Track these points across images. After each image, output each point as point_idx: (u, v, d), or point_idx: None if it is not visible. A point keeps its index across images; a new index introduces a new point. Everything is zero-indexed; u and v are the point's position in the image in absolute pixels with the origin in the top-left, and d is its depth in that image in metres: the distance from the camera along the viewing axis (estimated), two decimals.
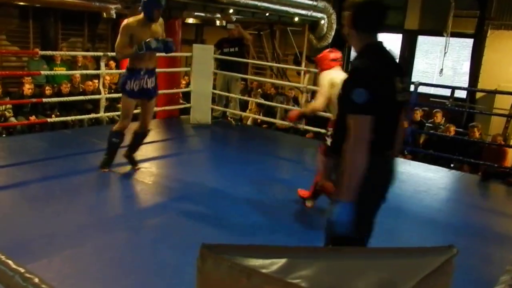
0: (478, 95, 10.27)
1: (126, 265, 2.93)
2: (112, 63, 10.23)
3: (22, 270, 0.99)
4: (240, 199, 4.18)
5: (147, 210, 3.90)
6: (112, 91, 8.90)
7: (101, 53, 6.38)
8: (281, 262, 0.71)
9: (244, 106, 9.47)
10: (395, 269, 0.68)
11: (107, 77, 8.91)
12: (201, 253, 0.74)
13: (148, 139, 6.19)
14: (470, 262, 3.35)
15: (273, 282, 0.66)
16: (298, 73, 11.67)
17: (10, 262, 1.02)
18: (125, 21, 4.39)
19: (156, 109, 7.87)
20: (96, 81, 7.66)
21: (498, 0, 9.91)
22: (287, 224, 3.76)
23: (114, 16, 9.28)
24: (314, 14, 10.10)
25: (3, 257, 1.04)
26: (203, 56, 6.95)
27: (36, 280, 0.96)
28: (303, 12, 9.82)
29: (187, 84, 8.31)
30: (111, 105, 8.29)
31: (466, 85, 10.26)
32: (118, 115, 8.06)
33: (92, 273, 2.79)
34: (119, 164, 4.95)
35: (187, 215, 3.77)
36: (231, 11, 8.84)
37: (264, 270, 0.68)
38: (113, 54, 9.33)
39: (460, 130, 8.44)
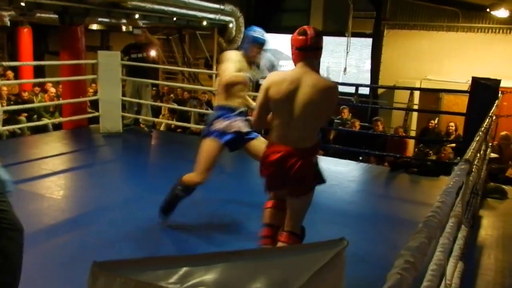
0: (380, 91, 11.00)
1: None
2: (10, 73, 9.55)
3: None
4: (155, 208, 4.08)
5: (57, 227, 3.68)
6: (12, 102, 8.31)
7: None
8: (178, 271, 0.70)
9: (157, 112, 9.30)
10: (288, 267, 0.71)
11: (5, 88, 8.28)
12: (91, 271, 0.71)
13: (54, 151, 5.90)
14: (380, 248, 3.57)
15: None
16: (210, 76, 11.70)
17: None
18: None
19: (62, 119, 7.49)
20: None
21: (392, 2, 10.68)
22: (205, 230, 3.75)
23: (8, 24, 8.64)
24: (222, 17, 10.19)
25: None
26: (110, 62, 6.71)
27: None
28: (211, 16, 9.86)
29: (95, 92, 7.97)
30: (11, 117, 7.72)
31: (368, 82, 10.94)
32: (19, 128, 7.57)
33: None
34: (23, 180, 4.64)
35: (99, 230, 3.61)
36: (137, 16, 8.62)
37: (160, 282, 0.67)
38: (10, 63, 8.76)
39: (366, 124, 8.96)
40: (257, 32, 3.46)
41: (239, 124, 3.44)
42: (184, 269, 0.70)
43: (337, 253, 0.73)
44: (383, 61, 10.84)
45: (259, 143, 3.42)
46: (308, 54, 2.54)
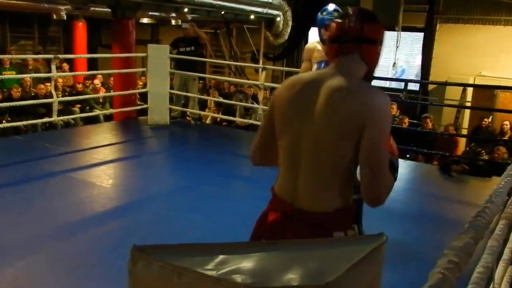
0: (430, 87, 10.64)
1: (84, 274, 2.86)
2: (65, 66, 9.96)
3: None
4: (202, 199, 4.16)
5: (105, 214, 3.82)
6: (66, 94, 8.68)
7: (51, 56, 6.17)
8: (214, 259, 0.72)
9: (203, 105, 9.43)
10: (324, 259, 0.70)
11: (60, 80, 8.65)
12: (131, 255, 0.74)
13: (105, 141, 6.11)
14: (424, 249, 3.47)
15: (204, 279, 0.67)
16: (256, 70, 11.72)
17: None
18: None
19: (112, 110, 7.75)
20: (49, 84, 7.42)
21: None
22: (252, 222, 3.77)
23: (65, 17, 9.01)
24: (270, 11, 10.17)
25: None
26: (159, 56, 6.86)
27: None
28: (259, 9, 9.87)
29: (144, 85, 8.18)
30: (66, 108, 8.06)
31: (418, 77, 10.61)
32: (73, 119, 7.90)
33: (48, 284, 2.71)
34: (76, 168, 4.84)
35: (146, 218, 3.72)
36: (186, 10, 8.76)
37: (196, 268, 0.68)
38: (65, 56, 9.12)
39: (414, 121, 8.71)
40: (326, 11, 2.99)
41: None
42: (220, 257, 0.71)
43: (376, 248, 0.72)
44: (434, 56, 10.48)
45: None
46: (345, 48, 1.54)
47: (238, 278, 0.66)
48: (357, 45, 1.52)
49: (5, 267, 2.82)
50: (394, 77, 10.55)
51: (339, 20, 1.57)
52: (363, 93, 1.44)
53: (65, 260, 3.00)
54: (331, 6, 3.07)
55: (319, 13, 3.11)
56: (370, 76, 1.62)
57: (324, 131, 1.42)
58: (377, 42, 1.55)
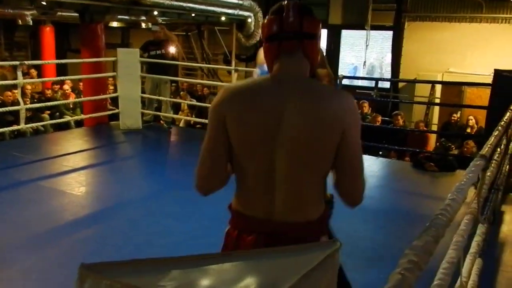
0: (400, 84, 10.84)
1: (58, 285, 2.80)
2: (33, 71, 9.75)
3: None
4: (177, 203, 4.12)
5: (77, 223, 3.75)
6: (35, 100, 8.49)
7: (17, 62, 6.03)
8: (166, 274, 0.71)
9: (177, 108, 9.36)
10: (277, 268, 0.71)
11: (28, 86, 8.46)
12: (79, 273, 0.73)
13: (76, 148, 6.00)
14: (399, 245, 3.52)
15: None
16: (229, 72, 11.70)
17: None
18: None
19: (83, 116, 7.62)
20: (16, 91, 7.25)
21: None
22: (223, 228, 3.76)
23: (31, 23, 8.81)
24: (241, 12, 10.16)
25: None
26: (129, 60, 6.78)
27: None
28: (230, 11, 9.85)
29: (115, 89, 8.08)
30: (35, 115, 7.88)
31: (389, 76, 10.79)
32: (42, 126, 7.73)
33: None
34: (46, 176, 4.74)
35: (120, 225, 3.67)
36: (155, 13, 8.68)
37: (147, 285, 0.68)
38: (32, 62, 8.92)
39: (386, 119, 8.86)
40: None
41: None
42: (173, 272, 0.70)
43: (329, 255, 0.73)
44: (404, 54, 10.67)
45: None
46: (287, 46, 1.38)
47: None
48: (298, 41, 1.37)
49: None
50: (365, 76, 10.71)
51: (274, 16, 1.39)
52: (336, 97, 1.36)
53: (36, 272, 2.94)
54: None
55: None
56: (313, 75, 1.52)
57: (301, 143, 1.32)
58: (317, 37, 1.43)
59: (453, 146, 6.97)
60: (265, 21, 1.42)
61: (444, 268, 1.25)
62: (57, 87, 9.07)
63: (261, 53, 2.30)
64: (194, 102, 8.94)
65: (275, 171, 1.35)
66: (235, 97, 1.37)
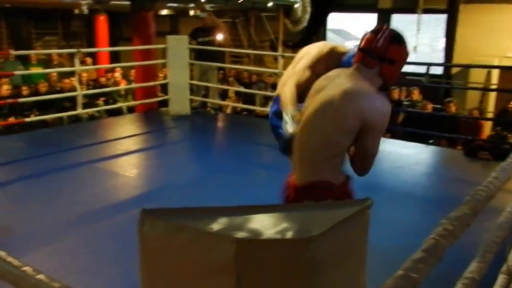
0: (454, 70, 10.44)
1: (110, 257, 2.98)
2: (88, 60, 10.16)
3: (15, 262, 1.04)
4: (222, 187, 4.23)
5: (130, 202, 3.94)
6: (90, 87, 8.87)
7: (74, 50, 6.32)
8: (213, 219, 0.82)
9: (224, 95, 9.50)
10: (312, 219, 0.78)
11: (84, 74, 8.84)
12: (140, 216, 0.84)
13: (128, 132, 6.25)
14: None
15: (201, 233, 0.77)
16: (276, 58, 11.70)
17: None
18: None
19: (134, 103, 7.88)
20: (73, 78, 7.61)
21: None
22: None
23: (86, 12, 9.17)
24: None
25: None
26: (178, 47, 6.94)
27: (29, 269, 1.02)
28: None
29: (165, 77, 8.30)
30: (90, 101, 8.24)
31: (442, 61, 10.41)
32: (97, 112, 8.08)
33: (76, 267, 2.83)
34: (101, 159, 4.99)
35: (168, 205, 3.80)
36: (203, 0, 8.80)
37: (196, 226, 0.78)
38: (87, 50, 9.30)
39: (438, 106, 8.58)
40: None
41: None
42: (219, 217, 0.82)
43: (361, 210, 0.78)
44: (457, 39, 10.25)
45: None
46: (367, 61, 1.74)
47: (232, 233, 0.75)
48: (378, 62, 1.72)
49: (35, 251, 2.95)
50: (416, 61, 10.37)
51: (371, 34, 1.75)
52: (370, 97, 1.67)
53: (91, 245, 3.13)
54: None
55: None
56: (386, 89, 1.83)
57: (323, 109, 1.70)
58: (397, 64, 1.75)
59: (509, 135, 6.67)
60: (365, 33, 1.79)
61: (487, 246, 1.24)
62: (109, 75, 9.42)
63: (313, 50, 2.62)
64: (241, 89, 9.02)
65: (298, 139, 1.84)
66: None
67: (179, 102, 7.10)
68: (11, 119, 7.33)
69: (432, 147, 6.39)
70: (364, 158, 1.76)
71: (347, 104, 1.65)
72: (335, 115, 1.66)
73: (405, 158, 5.45)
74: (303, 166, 1.78)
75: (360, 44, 1.77)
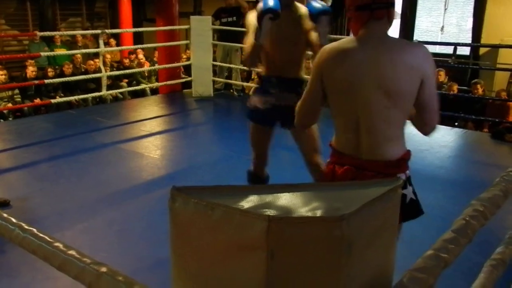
0: (482, 51, 10.15)
1: (136, 235, 3.05)
2: (112, 41, 10.24)
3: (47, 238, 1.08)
4: (246, 167, 4.25)
5: (154, 182, 4.01)
6: (114, 69, 8.96)
7: (98, 31, 6.38)
8: (243, 197, 0.83)
9: (247, 76, 9.47)
10: (343, 197, 0.79)
11: (108, 55, 8.92)
12: (171, 194, 0.86)
13: (152, 114, 6.32)
14: None
15: (233, 211, 0.78)
16: None
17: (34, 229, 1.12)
18: None
19: (158, 84, 7.94)
20: (98, 60, 7.71)
21: None
22: None
23: None
24: None
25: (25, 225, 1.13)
26: (201, 27, 6.92)
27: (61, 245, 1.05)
28: None
29: (188, 58, 8.32)
30: (114, 83, 8.34)
31: (470, 42, 10.13)
32: (121, 93, 8.18)
33: (104, 245, 2.91)
34: (125, 140, 5.06)
35: (193, 185, 3.86)
36: None
37: (227, 204, 0.79)
38: (112, 31, 9.37)
39: (464, 88, 8.39)
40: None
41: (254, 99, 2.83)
42: (249, 195, 0.83)
43: (391, 189, 0.78)
44: (486, 18, 9.94)
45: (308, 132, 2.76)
46: (377, 14, 1.64)
47: (263, 211, 0.76)
48: (386, 10, 1.65)
49: (64, 229, 3.04)
50: (442, 41, 10.13)
51: None
52: (415, 48, 1.63)
53: (117, 224, 3.21)
54: None
55: None
56: None
57: (384, 92, 1.59)
58: (394, 4, 1.73)
59: None
60: None
61: None
62: (133, 56, 9.49)
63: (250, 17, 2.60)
64: None
65: (360, 116, 1.64)
66: (331, 57, 1.68)
67: (202, 83, 7.12)
68: (37, 100, 7.49)
69: (458, 130, 6.28)
70: (433, 114, 1.69)
71: (403, 66, 1.58)
72: (398, 81, 1.59)
73: (430, 140, 5.35)
74: (381, 142, 1.67)
75: (357, 3, 1.66)
